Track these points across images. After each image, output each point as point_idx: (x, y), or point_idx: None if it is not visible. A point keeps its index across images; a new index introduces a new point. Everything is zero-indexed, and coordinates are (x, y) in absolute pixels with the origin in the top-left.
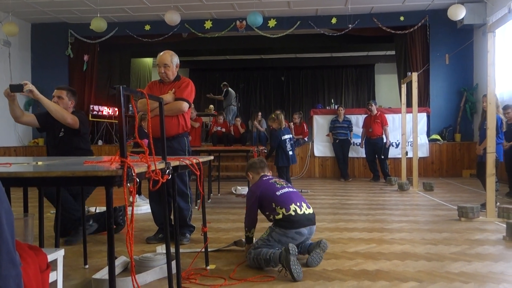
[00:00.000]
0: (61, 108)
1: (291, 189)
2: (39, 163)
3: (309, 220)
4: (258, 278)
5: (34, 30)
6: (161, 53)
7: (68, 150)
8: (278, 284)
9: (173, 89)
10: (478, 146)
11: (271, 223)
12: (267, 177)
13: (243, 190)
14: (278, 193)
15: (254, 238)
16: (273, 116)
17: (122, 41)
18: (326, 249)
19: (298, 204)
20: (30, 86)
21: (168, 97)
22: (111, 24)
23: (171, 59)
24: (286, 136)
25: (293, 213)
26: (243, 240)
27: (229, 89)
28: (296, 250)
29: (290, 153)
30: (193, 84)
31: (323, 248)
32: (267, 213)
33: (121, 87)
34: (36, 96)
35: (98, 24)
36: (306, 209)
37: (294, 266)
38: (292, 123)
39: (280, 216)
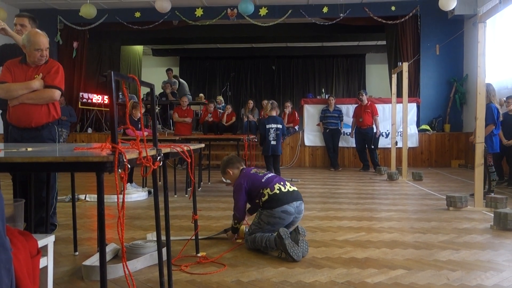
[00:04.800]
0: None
1: (272, 174)
2: (29, 149)
3: (294, 197)
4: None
5: None
6: (36, 34)
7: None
8: (268, 272)
9: (41, 74)
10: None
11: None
12: (247, 169)
13: None
14: (263, 179)
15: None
16: (263, 104)
17: (112, 28)
18: (305, 234)
19: (282, 183)
20: (2, 24)
21: (36, 83)
22: (100, 11)
23: (48, 40)
24: (272, 126)
25: (277, 192)
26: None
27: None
28: (288, 234)
29: (273, 142)
30: (62, 69)
31: (303, 234)
32: (257, 200)
33: (112, 72)
34: (8, 33)
35: (88, 11)
36: (290, 188)
37: (291, 249)
38: (287, 109)
39: (266, 197)
